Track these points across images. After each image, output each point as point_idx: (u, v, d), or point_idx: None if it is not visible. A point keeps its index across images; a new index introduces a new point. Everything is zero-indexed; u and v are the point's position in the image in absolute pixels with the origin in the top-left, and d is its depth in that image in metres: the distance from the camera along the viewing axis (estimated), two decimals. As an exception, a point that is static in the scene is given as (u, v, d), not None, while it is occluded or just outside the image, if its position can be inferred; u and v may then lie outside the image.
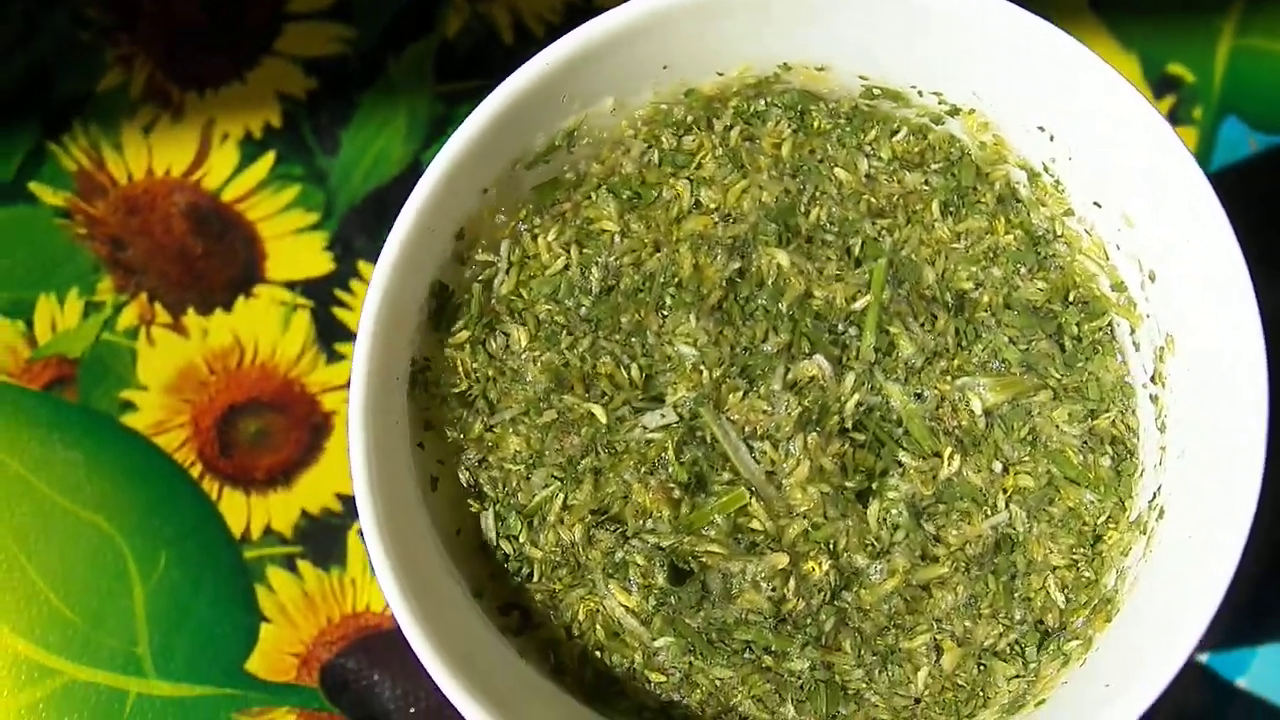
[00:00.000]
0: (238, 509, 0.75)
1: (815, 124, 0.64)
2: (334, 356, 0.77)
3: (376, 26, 0.80)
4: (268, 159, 0.79)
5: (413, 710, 0.72)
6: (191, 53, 0.80)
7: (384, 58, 0.80)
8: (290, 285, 0.78)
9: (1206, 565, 0.50)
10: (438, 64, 0.80)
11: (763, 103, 0.64)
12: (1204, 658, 0.72)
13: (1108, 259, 0.61)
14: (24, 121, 0.79)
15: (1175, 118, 0.78)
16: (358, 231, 0.78)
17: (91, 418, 0.76)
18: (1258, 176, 0.78)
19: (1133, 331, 0.60)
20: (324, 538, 0.75)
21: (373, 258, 0.75)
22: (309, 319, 0.77)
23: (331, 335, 0.77)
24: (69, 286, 0.77)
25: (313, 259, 0.78)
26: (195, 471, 0.75)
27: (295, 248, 0.78)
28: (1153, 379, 0.59)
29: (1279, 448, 0.51)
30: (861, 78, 0.62)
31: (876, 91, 0.63)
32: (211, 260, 0.78)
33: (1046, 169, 0.61)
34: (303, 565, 0.75)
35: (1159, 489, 0.58)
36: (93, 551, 0.74)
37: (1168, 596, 0.53)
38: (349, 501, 0.75)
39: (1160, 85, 0.79)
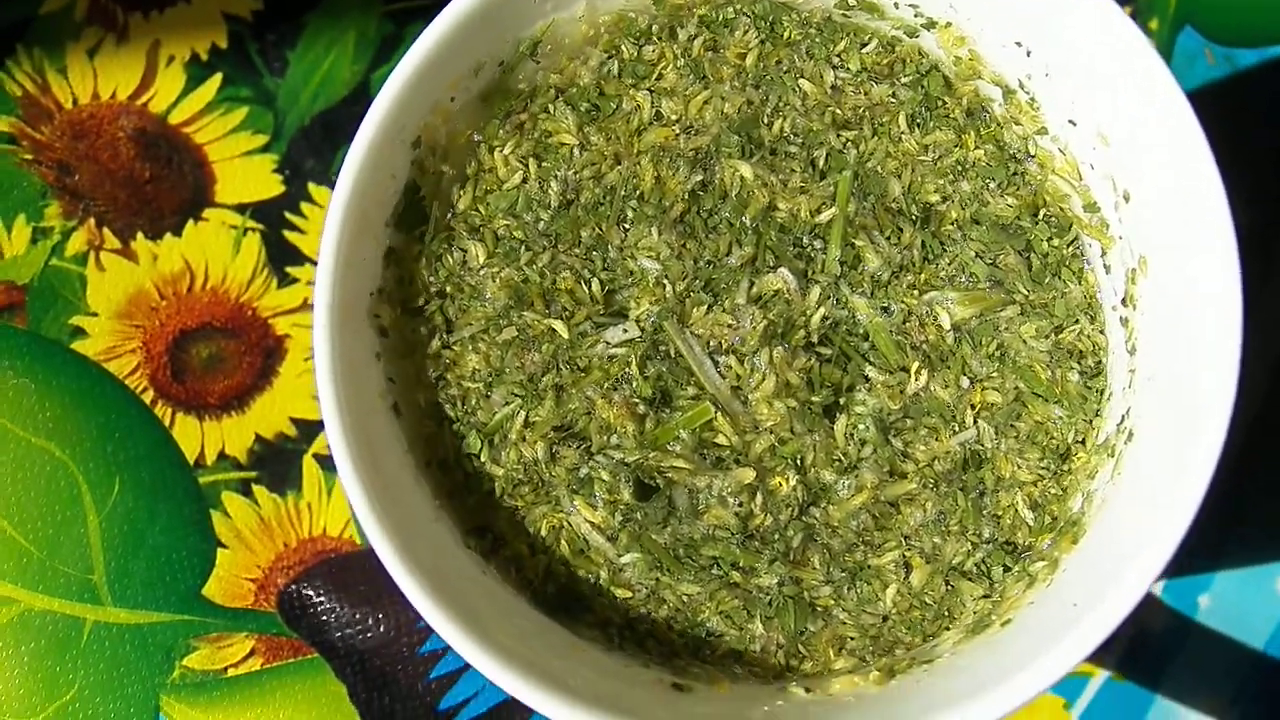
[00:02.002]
0: (191, 434, 0.74)
1: (785, 34, 0.63)
2: (285, 280, 0.75)
3: (325, -58, 0.79)
4: (214, 81, 0.78)
5: (369, 635, 0.72)
6: (136, -28, 0.79)
7: (333, -26, 0.79)
8: (240, 208, 0.76)
9: (1175, 490, 0.50)
10: (388, -19, 0.79)
11: (732, 10, 0.63)
12: (1159, 587, 0.72)
13: (1081, 179, 0.60)
14: (-35, 47, 0.78)
15: (1131, 30, 0.78)
16: (307, 154, 0.77)
17: (41, 344, 0.74)
18: (1228, 99, 0.77)
19: (1104, 253, 0.60)
20: (279, 462, 0.74)
21: (323, 180, 0.74)
22: (259, 242, 0.76)
23: (283, 259, 0.76)
24: (16, 213, 0.76)
25: (262, 182, 0.77)
26: (148, 397, 0.74)
27: (244, 171, 0.77)
28: (1124, 301, 0.59)
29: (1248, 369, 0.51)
30: (839, -13, 0.62)
31: (853, 2, 0.62)
32: (160, 184, 0.76)
33: (1022, 85, 0.61)
34: (258, 490, 0.74)
35: (1128, 412, 0.57)
36: (46, 479, 0.73)
37: (1135, 520, 0.53)
38: (303, 425, 0.74)
39: (1117, -3, 0.78)
